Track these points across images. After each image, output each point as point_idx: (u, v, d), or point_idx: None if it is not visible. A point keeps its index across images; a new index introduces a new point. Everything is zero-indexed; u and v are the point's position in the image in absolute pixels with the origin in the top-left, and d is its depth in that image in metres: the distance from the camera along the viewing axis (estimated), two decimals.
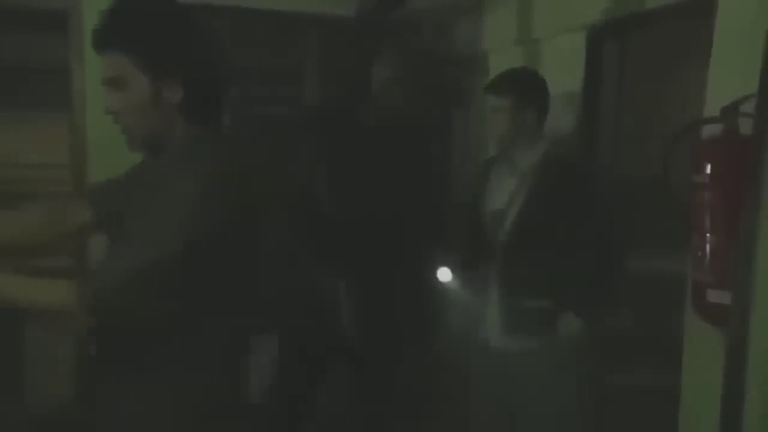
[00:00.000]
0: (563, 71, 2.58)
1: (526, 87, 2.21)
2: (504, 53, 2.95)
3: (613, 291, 2.18)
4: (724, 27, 1.86)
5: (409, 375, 2.71)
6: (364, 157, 2.53)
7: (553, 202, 2.10)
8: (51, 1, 2.99)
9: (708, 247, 1.77)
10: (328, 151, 2.62)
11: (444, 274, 2.49)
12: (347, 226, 2.50)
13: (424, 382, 2.88)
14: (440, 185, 2.78)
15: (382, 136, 2.56)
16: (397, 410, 2.67)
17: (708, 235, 1.77)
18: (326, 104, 3.35)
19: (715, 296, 1.74)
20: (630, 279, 2.40)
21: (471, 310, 2.31)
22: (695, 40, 2.02)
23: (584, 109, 2.54)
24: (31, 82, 3.49)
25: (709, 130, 1.86)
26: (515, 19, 2.95)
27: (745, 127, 1.73)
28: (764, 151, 1.66)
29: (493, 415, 2.30)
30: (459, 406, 2.59)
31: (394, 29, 3.23)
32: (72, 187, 3.17)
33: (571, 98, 2.56)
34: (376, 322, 2.50)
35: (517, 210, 2.16)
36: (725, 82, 1.83)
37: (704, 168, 1.77)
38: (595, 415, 2.53)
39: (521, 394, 2.18)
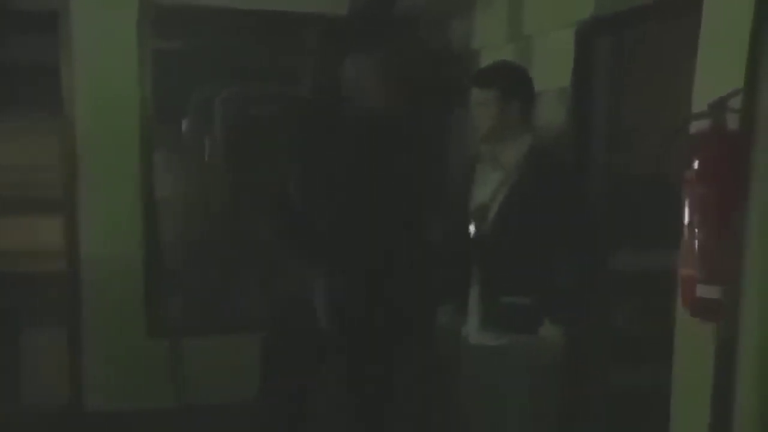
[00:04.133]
0: (554, 67, 2.59)
1: (510, 79, 2.21)
2: (495, 50, 2.96)
3: (592, 293, 2.19)
4: (709, 23, 1.86)
5: (400, 373, 2.71)
6: (339, 153, 2.52)
7: (536, 197, 2.10)
8: (40, 1, 2.98)
9: (697, 241, 1.77)
10: (305, 146, 2.60)
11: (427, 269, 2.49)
12: (326, 223, 2.49)
13: (414, 378, 2.88)
14: (420, 180, 2.77)
15: (353, 132, 2.54)
16: (390, 408, 2.68)
17: (697, 230, 1.77)
18: (306, 100, 3.34)
19: (704, 291, 1.74)
20: (616, 277, 2.41)
21: (453, 306, 2.32)
22: (684, 36, 2.02)
23: (575, 105, 2.54)
24: (20, 83, 3.48)
25: (696, 126, 1.86)
26: (506, 16, 2.95)
27: (733, 122, 1.73)
28: (752, 146, 1.67)
29: (472, 412, 2.30)
30: (443, 402, 2.60)
31: (386, 27, 3.23)
32: (63, 190, 3.16)
33: (561, 94, 2.56)
34: (359, 319, 2.49)
35: (500, 204, 2.16)
36: (712, 78, 1.84)
37: (692, 163, 1.77)
38: (595, 413, 2.54)
39: (497, 391, 2.19)
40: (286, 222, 2.57)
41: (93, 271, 3.20)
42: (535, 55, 2.75)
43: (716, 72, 1.82)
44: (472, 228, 2.22)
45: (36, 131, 3.57)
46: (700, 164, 1.76)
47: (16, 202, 3.74)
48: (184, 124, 3.93)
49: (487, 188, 2.20)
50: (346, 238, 2.46)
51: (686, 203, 1.80)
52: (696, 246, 1.77)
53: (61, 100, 3.06)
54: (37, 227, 3.66)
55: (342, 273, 2.47)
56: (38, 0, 3.01)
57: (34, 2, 3.00)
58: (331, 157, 2.49)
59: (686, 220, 1.80)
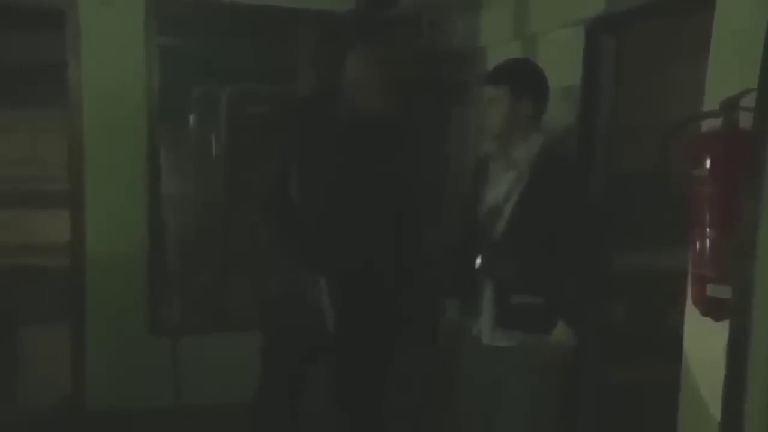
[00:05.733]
0: (561, 66, 2.57)
1: (522, 76, 2.20)
2: (502, 48, 2.95)
3: (601, 292, 2.18)
4: (723, 20, 1.85)
5: (402, 372, 2.70)
6: (341, 151, 2.51)
7: (549, 197, 2.09)
8: None
9: (708, 241, 1.76)
10: (308, 144, 2.59)
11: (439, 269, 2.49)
12: (326, 222, 2.47)
13: (417, 378, 2.86)
14: (424, 180, 2.76)
15: (356, 130, 2.53)
16: (392, 408, 2.66)
17: (707, 229, 1.76)
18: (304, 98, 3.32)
19: (714, 290, 1.74)
20: (620, 277, 2.41)
21: (463, 305, 2.31)
22: (693, 34, 2.02)
23: (582, 104, 2.53)
24: (27, 79, 3.48)
25: (708, 124, 1.86)
26: (512, 13, 2.94)
27: (745, 120, 1.72)
28: (764, 145, 1.65)
29: (482, 410, 2.29)
30: (448, 400, 2.58)
31: (389, 25, 3.23)
32: (69, 185, 3.15)
33: (568, 93, 2.56)
34: (359, 319, 2.48)
35: (512, 205, 2.15)
36: (724, 76, 1.83)
37: (703, 162, 1.76)
38: (597, 411, 2.53)
39: (506, 389, 2.18)
40: (287, 221, 2.56)
41: (96, 268, 3.19)
42: (541, 53, 2.74)
43: (729, 70, 1.82)
44: (485, 228, 2.21)
45: (42, 127, 3.58)
46: (711, 163, 1.75)
47: (21, 197, 3.74)
48: (191, 121, 3.93)
49: (500, 188, 2.19)
50: (348, 238, 2.45)
51: (697, 202, 1.80)
52: (707, 245, 1.76)
53: (67, 97, 3.06)
54: (41, 223, 3.65)
55: (343, 273, 2.46)
56: None
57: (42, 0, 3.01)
58: (334, 155, 2.48)
59: (697, 219, 1.80)
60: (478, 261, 2.21)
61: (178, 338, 3.26)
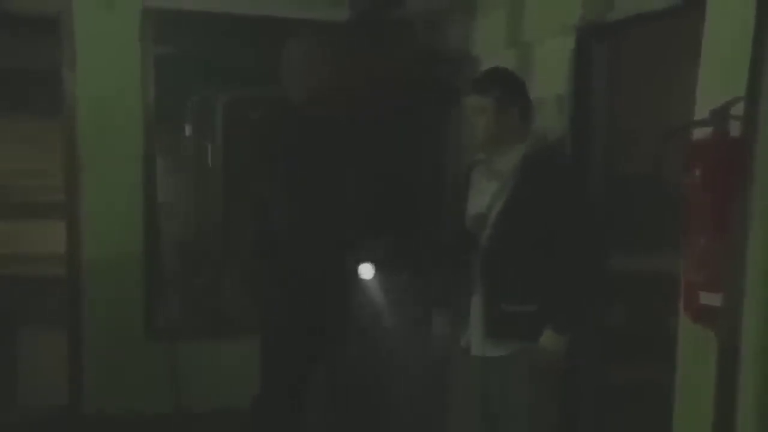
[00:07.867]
0: (553, 74, 2.59)
1: (508, 86, 2.21)
2: (495, 56, 2.96)
3: (591, 298, 2.19)
4: (713, 29, 1.87)
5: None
6: (329, 155, 2.51)
7: (534, 205, 2.09)
8: (42, 6, 2.99)
9: (699, 248, 1.78)
10: (295, 148, 2.59)
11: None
12: (312, 221, 2.48)
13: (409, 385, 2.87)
14: (415, 182, 2.76)
15: (345, 135, 2.54)
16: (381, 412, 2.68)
17: (699, 236, 1.78)
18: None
19: (707, 298, 1.75)
20: (618, 278, 2.42)
21: (453, 316, 2.32)
22: (684, 42, 2.04)
23: (575, 111, 2.55)
24: (23, 87, 3.48)
25: (699, 132, 1.87)
26: (506, 22, 2.96)
27: (736, 129, 1.74)
28: (754, 154, 1.67)
29: (476, 420, 2.30)
30: (439, 410, 2.59)
31: (383, 31, 3.24)
32: (64, 194, 3.16)
33: (561, 100, 2.57)
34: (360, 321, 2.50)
35: (497, 214, 2.15)
36: (715, 85, 1.85)
37: (695, 170, 1.78)
38: (597, 411, 2.54)
39: (499, 400, 2.19)
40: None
41: (93, 274, 3.20)
42: (534, 62, 2.76)
43: (719, 79, 1.84)
44: (471, 237, 2.22)
45: (38, 136, 3.58)
46: (702, 171, 1.77)
47: (18, 206, 3.75)
48: (186, 129, 3.94)
49: (484, 198, 2.20)
50: (338, 238, 2.46)
51: (689, 210, 1.81)
52: (699, 253, 1.77)
53: (63, 105, 3.06)
54: (38, 231, 3.66)
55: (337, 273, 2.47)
56: (40, 5, 3.01)
57: (37, 7, 3.01)
58: (321, 159, 2.48)
59: (689, 226, 1.82)
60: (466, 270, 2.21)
61: (175, 341, 3.27)
